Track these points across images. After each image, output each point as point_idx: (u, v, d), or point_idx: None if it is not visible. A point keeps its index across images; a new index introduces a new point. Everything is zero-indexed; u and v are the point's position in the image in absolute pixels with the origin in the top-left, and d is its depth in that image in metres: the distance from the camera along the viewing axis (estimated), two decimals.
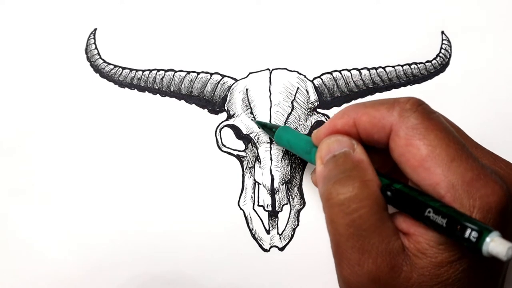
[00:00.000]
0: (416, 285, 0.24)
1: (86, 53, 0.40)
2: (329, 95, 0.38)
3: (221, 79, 0.39)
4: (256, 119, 0.37)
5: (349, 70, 0.39)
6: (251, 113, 0.38)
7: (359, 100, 0.38)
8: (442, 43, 0.39)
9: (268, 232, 0.37)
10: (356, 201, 0.24)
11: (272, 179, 0.37)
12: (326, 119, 0.38)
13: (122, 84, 0.39)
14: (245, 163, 0.38)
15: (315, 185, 0.32)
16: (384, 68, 0.38)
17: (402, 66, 0.39)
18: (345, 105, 0.38)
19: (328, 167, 0.27)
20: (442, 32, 0.39)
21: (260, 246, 0.37)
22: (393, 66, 0.38)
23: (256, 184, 0.37)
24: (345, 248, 0.25)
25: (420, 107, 0.25)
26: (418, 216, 0.23)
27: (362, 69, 0.39)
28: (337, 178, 0.26)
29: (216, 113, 0.39)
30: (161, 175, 0.38)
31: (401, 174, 0.26)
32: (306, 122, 0.38)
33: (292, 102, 0.38)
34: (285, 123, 0.37)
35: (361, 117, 0.27)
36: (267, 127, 0.36)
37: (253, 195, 0.37)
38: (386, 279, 0.24)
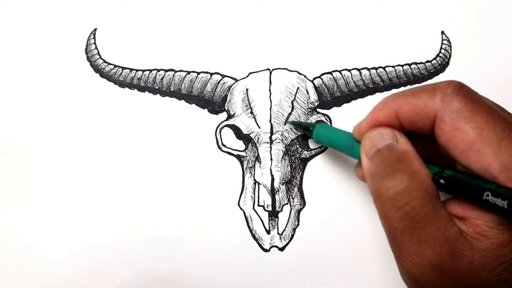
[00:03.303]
0: (480, 267, 0.23)
1: (86, 53, 0.40)
2: (329, 95, 0.38)
3: (221, 79, 0.39)
4: (292, 121, 0.37)
5: (349, 70, 0.39)
6: (251, 113, 0.38)
7: (359, 100, 0.38)
8: (442, 43, 0.39)
9: (268, 232, 0.37)
10: (407, 194, 0.24)
11: (272, 179, 0.37)
12: (326, 119, 0.38)
13: (122, 84, 0.39)
14: (245, 163, 0.38)
15: (360, 179, 0.32)
16: (384, 68, 0.38)
17: (402, 66, 0.39)
18: (345, 105, 0.38)
19: (374, 162, 0.27)
20: (442, 32, 0.39)
21: (260, 246, 0.37)
22: (393, 66, 0.38)
23: (256, 184, 0.37)
24: (402, 241, 0.25)
25: (461, 90, 0.25)
26: (475, 200, 0.23)
27: (362, 69, 0.39)
28: (384, 173, 0.25)
29: (216, 113, 0.39)
30: (161, 175, 0.38)
31: (446, 158, 0.26)
32: (306, 122, 0.38)
33: (292, 102, 0.38)
34: (285, 123, 0.37)
35: (403, 107, 0.27)
36: (302, 126, 0.36)
37: (253, 195, 0.37)
38: (448, 266, 0.24)
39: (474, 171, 0.24)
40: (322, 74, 0.39)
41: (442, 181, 0.24)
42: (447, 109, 0.25)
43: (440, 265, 0.24)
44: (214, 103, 0.39)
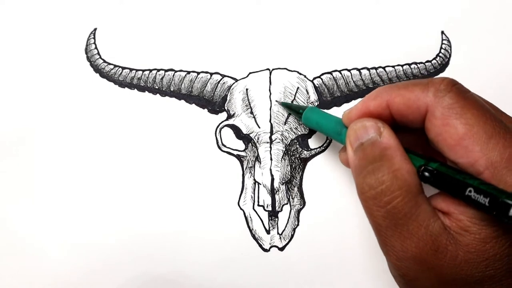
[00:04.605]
0: (464, 262, 0.23)
1: (86, 53, 0.40)
2: (329, 95, 0.38)
3: (221, 79, 0.39)
4: (280, 102, 0.37)
5: (349, 70, 0.39)
6: (251, 113, 0.38)
7: (359, 100, 0.38)
8: (442, 43, 0.39)
9: (268, 232, 0.37)
10: (388, 193, 0.24)
11: (272, 179, 0.37)
12: None
13: (122, 84, 0.39)
14: (245, 163, 0.38)
15: (344, 164, 0.33)
16: (384, 68, 0.38)
17: (402, 66, 0.39)
18: (345, 105, 0.38)
19: (357, 157, 0.27)
20: (442, 32, 0.39)
21: (260, 246, 0.37)
22: (393, 66, 0.38)
23: (256, 184, 0.37)
24: (386, 237, 0.25)
25: (454, 87, 0.25)
26: (458, 195, 0.23)
27: (362, 69, 0.39)
28: (366, 170, 0.26)
29: (216, 113, 0.39)
30: (161, 175, 0.38)
31: (434, 151, 0.26)
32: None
33: (292, 102, 0.38)
34: (285, 123, 0.37)
35: (395, 98, 0.27)
36: (292, 108, 0.36)
37: (253, 195, 0.37)
38: (432, 260, 0.24)
39: (461, 167, 0.24)
40: (322, 74, 0.39)
41: (426, 174, 0.25)
42: (439, 104, 0.25)
43: (424, 260, 0.24)
44: (214, 103, 0.39)
